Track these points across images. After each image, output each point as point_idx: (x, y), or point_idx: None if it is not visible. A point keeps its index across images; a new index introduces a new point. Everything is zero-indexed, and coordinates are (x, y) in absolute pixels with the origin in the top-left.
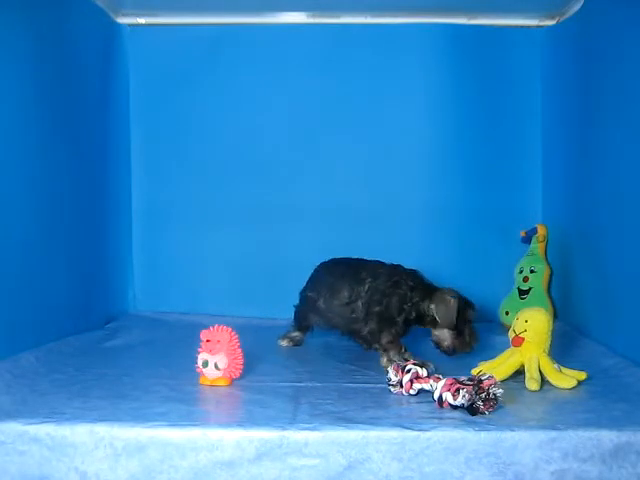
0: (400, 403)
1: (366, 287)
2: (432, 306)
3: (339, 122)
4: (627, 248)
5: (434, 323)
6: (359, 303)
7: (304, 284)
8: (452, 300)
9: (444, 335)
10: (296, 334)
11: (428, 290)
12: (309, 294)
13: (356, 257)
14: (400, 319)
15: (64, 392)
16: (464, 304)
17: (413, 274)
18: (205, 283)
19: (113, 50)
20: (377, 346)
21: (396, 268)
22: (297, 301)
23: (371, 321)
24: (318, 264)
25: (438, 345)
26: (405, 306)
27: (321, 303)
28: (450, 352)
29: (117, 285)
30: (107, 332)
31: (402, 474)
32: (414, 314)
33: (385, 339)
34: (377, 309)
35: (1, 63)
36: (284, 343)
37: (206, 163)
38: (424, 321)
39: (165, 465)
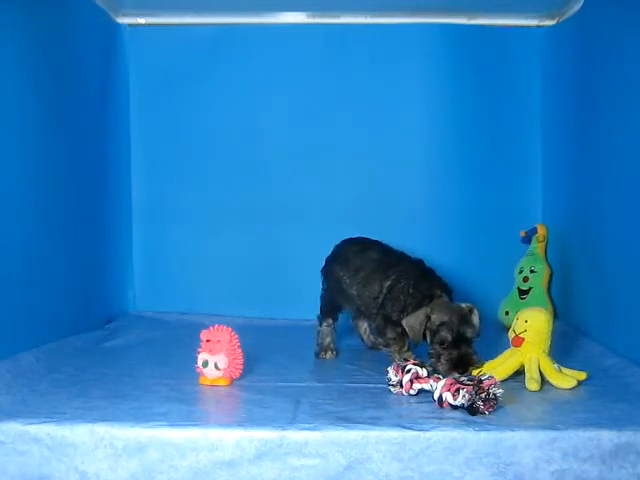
0: (400, 403)
1: (388, 284)
2: (404, 320)
3: (339, 122)
4: (627, 248)
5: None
6: (380, 298)
7: (326, 261)
8: (421, 315)
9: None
10: (328, 339)
11: (426, 301)
12: (341, 273)
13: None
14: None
15: (64, 392)
16: (439, 325)
17: (425, 283)
18: (205, 283)
19: (113, 50)
20: (381, 340)
21: (420, 273)
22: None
23: (378, 317)
24: (345, 241)
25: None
26: (402, 314)
27: (353, 290)
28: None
29: (117, 285)
30: (107, 332)
31: (402, 474)
32: None
33: (389, 335)
34: (386, 308)
35: (1, 63)
36: (327, 355)
37: (206, 163)
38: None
39: (165, 465)
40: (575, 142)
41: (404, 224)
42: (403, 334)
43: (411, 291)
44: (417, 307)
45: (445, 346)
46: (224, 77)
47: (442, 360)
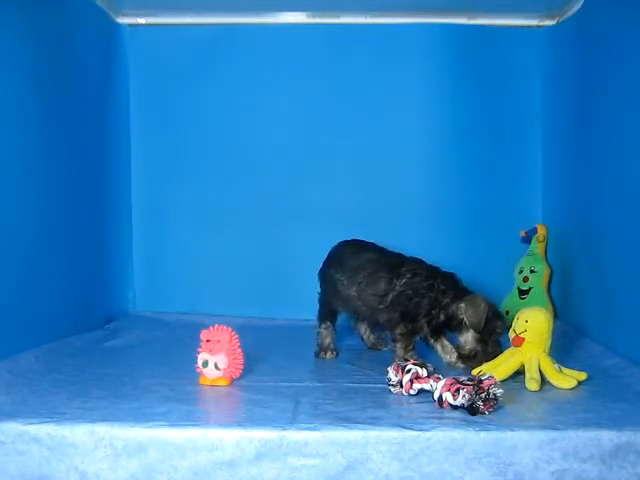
0: (400, 403)
1: (403, 281)
2: (461, 305)
3: (339, 122)
4: (627, 248)
5: (460, 327)
6: (391, 295)
7: (323, 263)
8: (483, 304)
9: (468, 339)
10: (328, 339)
11: (461, 293)
12: (336, 275)
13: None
14: (423, 320)
15: (64, 392)
16: (494, 314)
17: (449, 278)
18: (205, 283)
19: (113, 50)
20: (389, 333)
21: (434, 270)
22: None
23: (394, 312)
24: (341, 243)
25: (459, 350)
26: (434, 311)
27: (352, 291)
28: (470, 357)
29: (117, 285)
30: (107, 332)
31: (402, 474)
32: (442, 317)
33: (399, 330)
34: (406, 305)
35: (1, 63)
36: (327, 355)
37: (206, 163)
38: (452, 324)
39: (165, 465)
40: (575, 142)
41: (404, 224)
42: (413, 332)
43: (443, 287)
44: (454, 300)
45: (495, 335)
46: (224, 77)
47: (489, 344)
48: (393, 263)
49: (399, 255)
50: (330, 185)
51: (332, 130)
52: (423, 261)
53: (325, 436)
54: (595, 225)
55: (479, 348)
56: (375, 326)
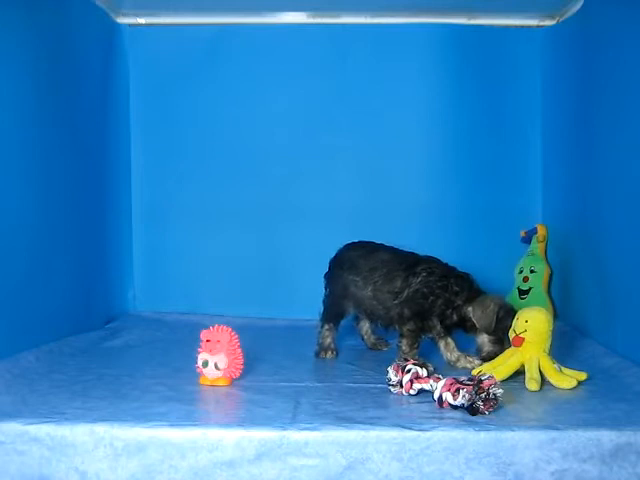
0: (400, 403)
1: (418, 279)
2: (470, 309)
3: (339, 122)
4: (627, 248)
5: (475, 330)
6: (406, 292)
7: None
8: (492, 305)
9: (483, 341)
10: (328, 339)
11: (473, 295)
12: (350, 277)
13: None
14: (436, 319)
15: (64, 392)
16: (506, 312)
17: (463, 278)
18: (205, 283)
19: (113, 50)
20: (397, 328)
21: (449, 270)
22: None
23: (408, 309)
24: (348, 245)
25: (479, 352)
26: (448, 311)
27: (367, 291)
28: (487, 360)
29: (117, 285)
30: (107, 332)
31: (402, 474)
32: (455, 318)
33: (409, 326)
34: (421, 303)
35: (1, 63)
36: (327, 355)
37: (206, 163)
38: (466, 326)
39: (165, 465)
40: (575, 142)
41: (404, 224)
42: (422, 330)
43: (457, 288)
44: (467, 302)
45: (506, 333)
46: (224, 77)
47: (505, 343)
48: (408, 262)
49: (413, 254)
50: (330, 185)
51: (332, 130)
52: (438, 259)
53: (325, 436)
54: (595, 225)
55: (496, 349)
56: (389, 325)
